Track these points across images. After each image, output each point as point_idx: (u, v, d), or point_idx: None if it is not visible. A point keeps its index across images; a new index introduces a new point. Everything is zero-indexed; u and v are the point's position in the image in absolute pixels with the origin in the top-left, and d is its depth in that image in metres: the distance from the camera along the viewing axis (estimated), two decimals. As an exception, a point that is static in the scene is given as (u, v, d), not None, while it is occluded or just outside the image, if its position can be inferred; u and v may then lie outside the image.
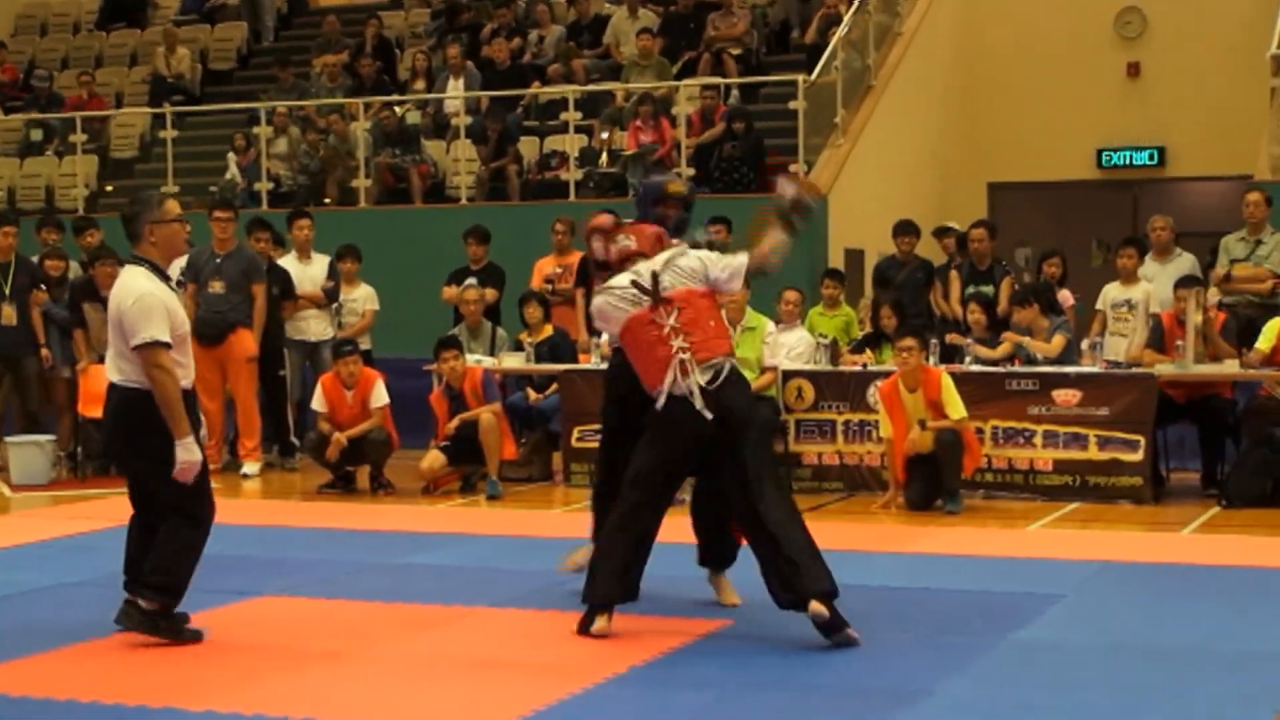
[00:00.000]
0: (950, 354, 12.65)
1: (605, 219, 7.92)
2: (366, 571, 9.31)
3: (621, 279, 7.60)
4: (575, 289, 14.60)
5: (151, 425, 7.16)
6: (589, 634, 7.39)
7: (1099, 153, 21.36)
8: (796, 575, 7.15)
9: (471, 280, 14.41)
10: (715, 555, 8.10)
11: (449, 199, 18.54)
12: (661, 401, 7.35)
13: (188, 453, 7.16)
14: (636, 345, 7.50)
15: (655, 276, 7.51)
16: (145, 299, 7.15)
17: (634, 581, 7.51)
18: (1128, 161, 21.35)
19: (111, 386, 7.36)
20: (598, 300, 7.68)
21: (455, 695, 6.51)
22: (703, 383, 7.32)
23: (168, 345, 7.14)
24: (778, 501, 7.42)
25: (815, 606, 7.12)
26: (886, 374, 11.91)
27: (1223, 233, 13.80)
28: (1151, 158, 21.21)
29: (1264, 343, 11.94)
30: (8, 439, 13.89)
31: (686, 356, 7.35)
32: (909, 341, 11.53)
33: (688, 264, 7.59)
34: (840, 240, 17.09)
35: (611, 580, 7.44)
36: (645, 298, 7.48)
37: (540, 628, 7.75)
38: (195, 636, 7.31)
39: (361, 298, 15.00)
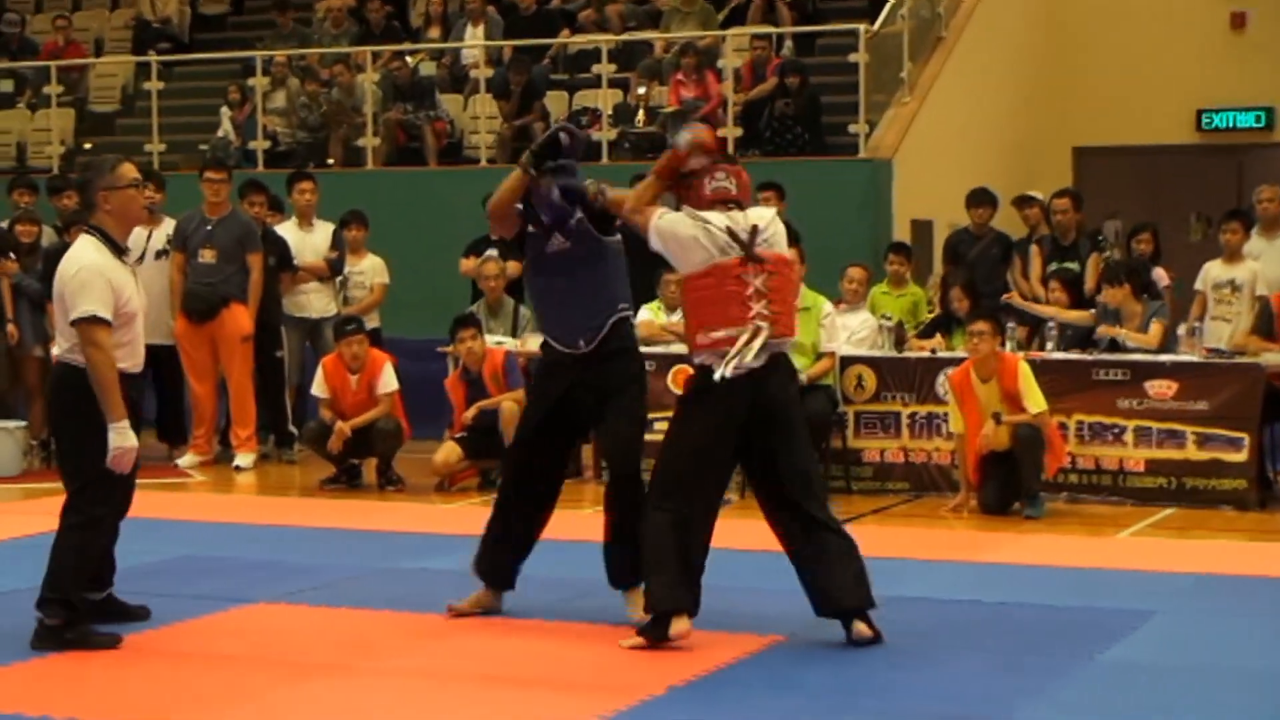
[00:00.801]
0: (1031, 332, 12.63)
1: (713, 139, 7.85)
2: (373, 577, 9.32)
3: (716, 218, 7.52)
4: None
5: (77, 407, 7.34)
6: (665, 640, 7.39)
7: (1199, 114, 21.27)
8: (837, 586, 7.26)
9: (492, 251, 14.39)
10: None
11: (467, 160, 18.54)
12: (723, 371, 7.30)
13: (121, 438, 7.28)
14: (709, 297, 7.42)
15: (755, 231, 7.47)
16: (87, 271, 7.32)
17: (696, 591, 7.52)
18: (1231, 124, 21.25)
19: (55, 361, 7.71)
20: (685, 224, 7.51)
21: (473, 715, 6.51)
22: (757, 364, 7.30)
23: (106, 323, 7.28)
24: (821, 505, 7.51)
25: (859, 628, 7.32)
26: (958, 361, 11.89)
27: (1339, 205, 13.73)
28: (1258, 120, 21.12)
29: (1387, 328, 11.90)
30: (-27, 425, 13.96)
31: (765, 326, 7.31)
32: (982, 325, 11.50)
33: (779, 230, 7.60)
34: (907, 211, 17.04)
35: (677, 588, 7.43)
36: (735, 248, 7.43)
37: (568, 641, 7.76)
38: (111, 642, 7.44)
39: (369, 270, 15.01)
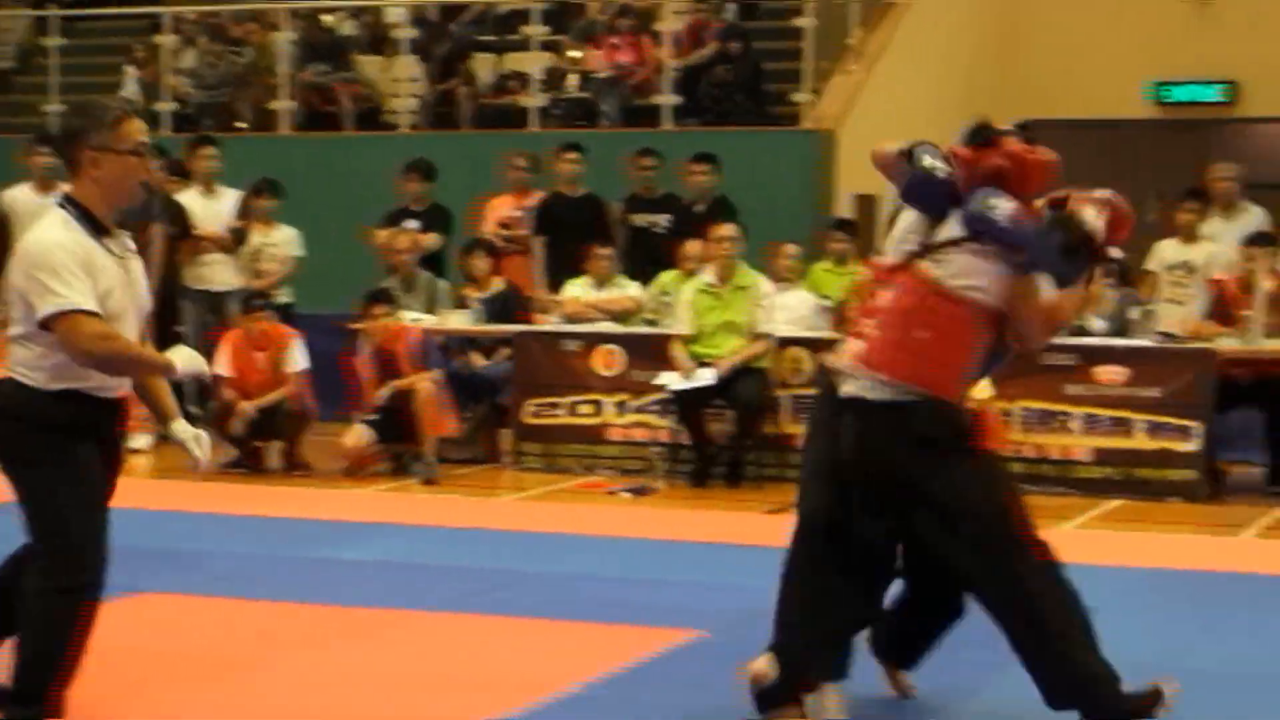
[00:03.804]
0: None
1: None
2: (277, 566, 9.31)
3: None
4: (533, 236, 14.60)
5: (23, 441, 5.91)
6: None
7: (1158, 87, 21.34)
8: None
9: (412, 223, 14.38)
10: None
11: (386, 126, 18.49)
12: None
13: (186, 357, 6.05)
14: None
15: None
16: (54, 254, 5.78)
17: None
18: (1192, 98, 21.35)
19: None
20: None
21: (384, 712, 6.51)
22: None
23: (94, 314, 5.76)
24: None
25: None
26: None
27: (1301, 184, 13.86)
28: (1221, 94, 21.23)
29: (1345, 315, 12.00)
30: None
31: None
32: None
33: None
34: (850, 184, 17.08)
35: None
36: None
37: (483, 635, 7.77)
38: None
39: (281, 242, 14.94)
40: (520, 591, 8.67)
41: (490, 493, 12.32)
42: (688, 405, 12.38)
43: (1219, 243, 13.19)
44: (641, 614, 8.02)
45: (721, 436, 12.58)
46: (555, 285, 14.01)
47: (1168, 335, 12.29)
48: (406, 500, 11.90)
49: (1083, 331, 12.17)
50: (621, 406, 12.86)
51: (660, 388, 12.50)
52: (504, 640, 7.68)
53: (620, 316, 13.41)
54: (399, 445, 12.81)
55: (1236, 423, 12.61)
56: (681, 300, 12.62)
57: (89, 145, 5.89)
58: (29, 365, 5.85)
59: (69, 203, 5.92)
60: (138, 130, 5.98)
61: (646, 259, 14.30)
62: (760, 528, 10.80)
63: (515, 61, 18.38)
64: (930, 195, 6.17)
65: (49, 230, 5.87)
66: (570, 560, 9.62)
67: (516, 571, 9.18)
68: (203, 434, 6.21)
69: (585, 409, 12.92)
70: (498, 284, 13.78)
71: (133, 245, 6.08)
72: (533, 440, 13.01)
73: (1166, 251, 13.34)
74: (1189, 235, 13.29)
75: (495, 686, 6.84)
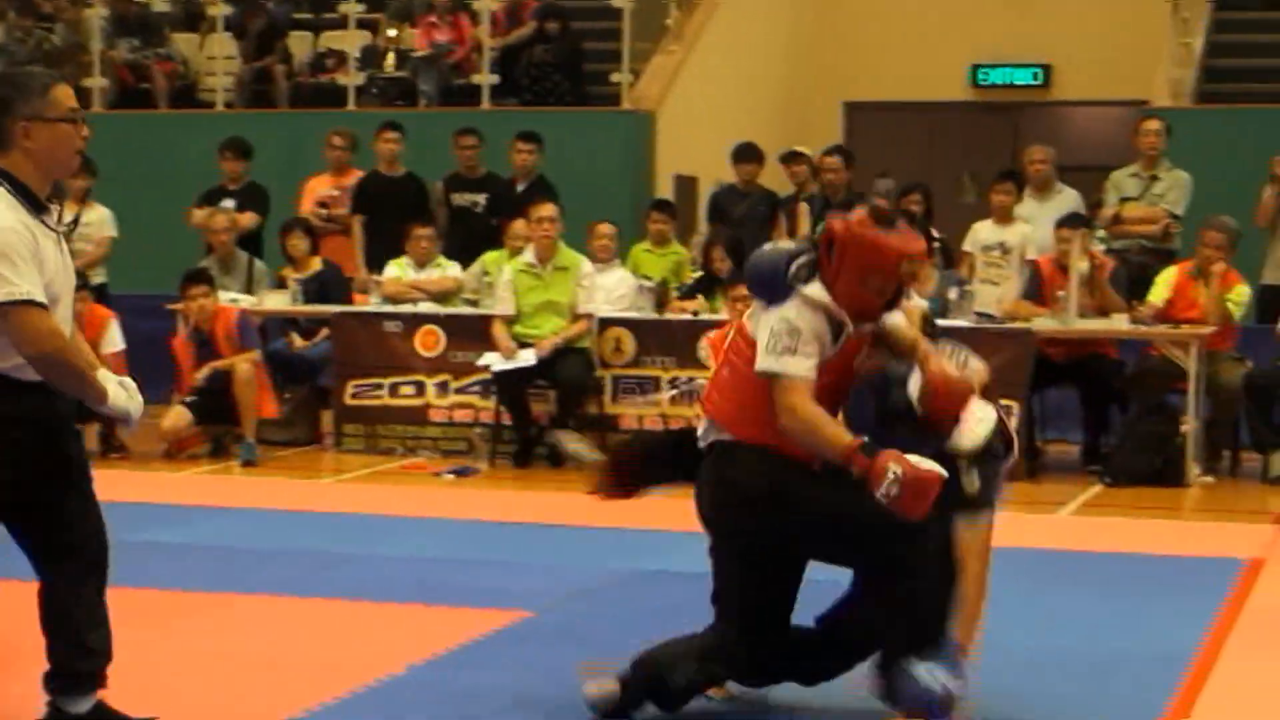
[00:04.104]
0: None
1: None
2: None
3: None
4: (352, 216, 14.54)
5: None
6: None
7: (974, 70, 21.65)
8: None
9: (228, 202, 14.27)
10: None
11: (201, 104, 18.32)
12: None
13: (118, 396, 5.71)
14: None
15: None
16: (4, 237, 5.45)
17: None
18: (1007, 81, 21.67)
19: None
20: None
21: (205, 697, 6.46)
22: None
23: (42, 305, 5.48)
24: None
25: None
26: (720, 324, 12.00)
27: (1113, 166, 14.09)
28: (1035, 77, 21.56)
29: (1157, 295, 12.23)
30: None
31: None
32: (744, 289, 11.55)
33: None
34: (670, 165, 17.17)
35: None
36: None
37: (307, 619, 7.74)
38: None
39: (95, 222, 14.72)
40: (344, 574, 8.63)
41: (312, 475, 12.26)
42: (509, 386, 12.38)
43: (1034, 224, 13.37)
44: (466, 596, 8.03)
45: (543, 417, 12.61)
46: (375, 265, 13.95)
47: (985, 315, 12.46)
48: (227, 483, 11.81)
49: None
50: (443, 387, 12.83)
51: (482, 368, 12.49)
52: (328, 624, 7.65)
53: (441, 297, 13.38)
54: (219, 427, 12.71)
55: (1053, 401, 12.83)
56: (502, 281, 12.62)
57: (19, 116, 5.60)
58: None
59: (4, 178, 5.58)
60: (67, 96, 5.75)
61: (468, 239, 14.29)
62: (583, 508, 10.82)
63: (332, 40, 18.30)
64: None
65: None
66: (394, 543, 9.59)
67: (340, 554, 9.15)
68: (128, 381, 5.80)
69: (407, 390, 12.88)
70: (317, 264, 13.70)
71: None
72: (354, 422, 12.95)
73: (982, 233, 13.52)
74: (1004, 217, 13.46)
75: (319, 671, 6.81)
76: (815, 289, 5.91)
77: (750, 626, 6.18)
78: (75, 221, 6.81)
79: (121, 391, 5.71)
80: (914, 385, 5.93)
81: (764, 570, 6.15)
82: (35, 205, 5.59)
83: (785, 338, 5.85)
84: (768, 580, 6.18)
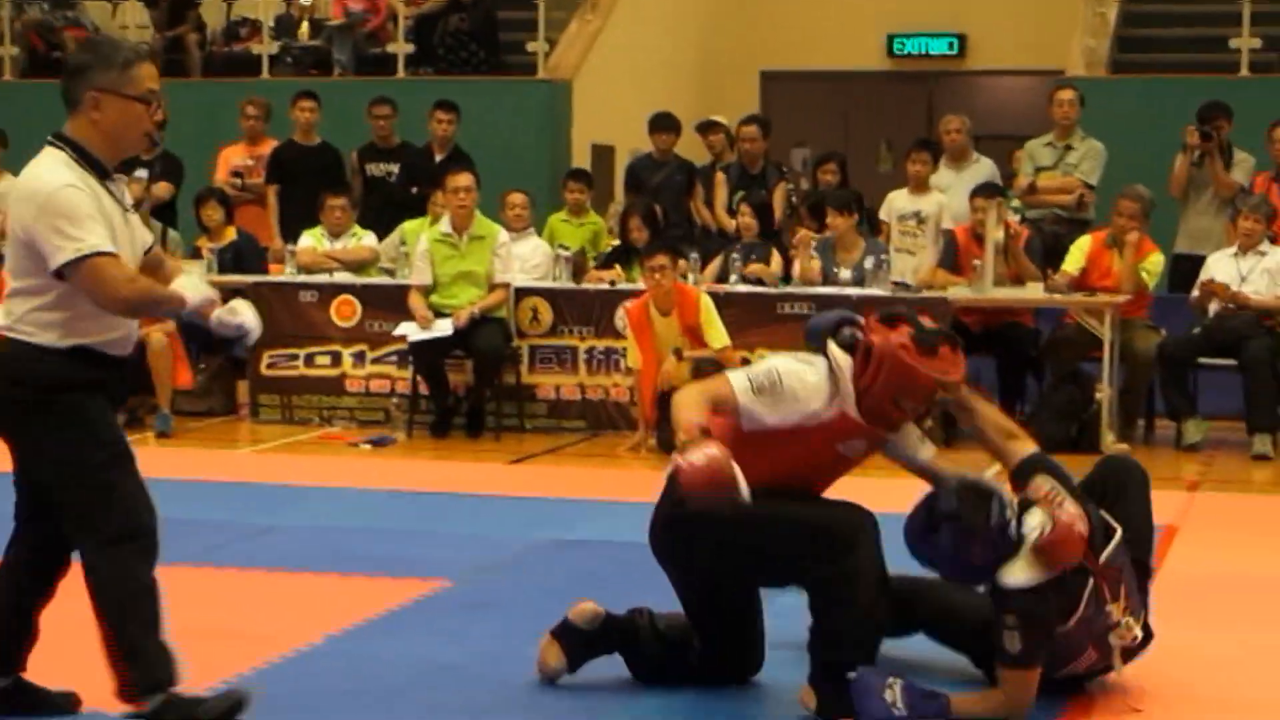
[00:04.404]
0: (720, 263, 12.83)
1: None
2: (6, 523, 9.12)
3: None
4: (267, 185, 14.48)
5: (48, 404, 5.48)
6: None
7: (890, 39, 21.72)
8: None
9: (141, 172, 14.16)
10: None
11: (114, 73, 18.16)
12: None
13: (196, 291, 5.61)
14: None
15: None
16: (65, 195, 5.35)
17: None
18: (923, 50, 21.75)
19: None
20: None
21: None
22: None
23: (110, 254, 5.35)
24: None
25: None
26: (637, 294, 12.01)
27: (1027, 136, 14.19)
28: (950, 46, 21.65)
29: (1071, 264, 12.32)
30: None
31: None
32: (661, 259, 11.59)
33: None
34: (586, 134, 17.17)
35: None
36: None
37: (224, 590, 7.72)
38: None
39: (7, 194, 14.63)
40: (261, 545, 8.62)
41: (228, 445, 12.22)
42: (426, 356, 12.35)
43: (949, 193, 13.45)
44: (385, 565, 8.02)
45: (461, 387, 12.59)
46: (290, 235, 13.89)
47: (902, 284, 12.52)
48: (142, 453, 11.51)
49: (827, 281, 12.39)
50: (360, 357, 12.80)
51: (399, 338, 12.46)
52: (244, 594, 7.64)
53: (357, 267, 13.34)
54: (133, 398, 12.61)
55: (970, 370, 12.85)
56: (418, 250, 12.58)
57: (93, 85, 5.49)
58: (36, 323, 5.43)
59: (64, 142, 5.49)
60: (150, 76, 5.56)
61: (382, 208, 14.26)
62: (501, 477, 10.87)
63: (246, 8, 18.25)
64: None
65: (54, 170, 5.43)
66: (311, 513, 9.58)
67: (257, 525, 9.13)
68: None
69: (323, 360, 12.83)
70: (231, 234, 13.63)
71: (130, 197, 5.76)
72: (270, 392, 12.90)
73: (898, 202, 13.58)
74: (919, 186, 13.53)
75: (236, 641, 6.79)
76: (844, 361, 5.93)
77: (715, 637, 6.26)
78: (139, 204, 6.78)
79: (189, 281, 5.64)
80: (1035, 522, 5.76)
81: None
82: (99, 171, 5.49)
83: (765, 381, 5.90)
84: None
